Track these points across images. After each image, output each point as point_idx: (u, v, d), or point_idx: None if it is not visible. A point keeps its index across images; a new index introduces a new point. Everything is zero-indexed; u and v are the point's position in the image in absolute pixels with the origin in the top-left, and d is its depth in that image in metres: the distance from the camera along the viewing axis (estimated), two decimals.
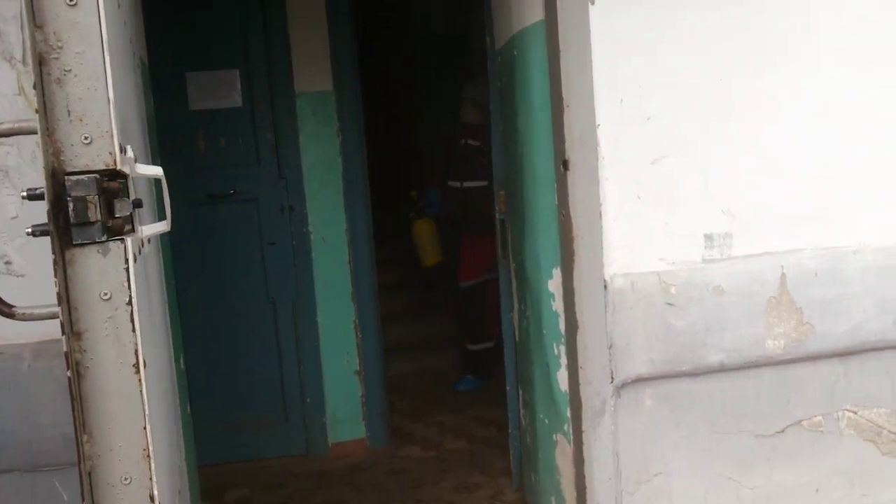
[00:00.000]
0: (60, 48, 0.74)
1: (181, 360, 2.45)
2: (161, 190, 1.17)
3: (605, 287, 2.03)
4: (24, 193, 0.82)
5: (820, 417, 2.24)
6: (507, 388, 2.93)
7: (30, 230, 0.84)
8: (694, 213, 2.09)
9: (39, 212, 1.53)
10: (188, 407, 2.50)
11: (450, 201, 4.32)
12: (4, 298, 1.39)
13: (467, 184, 4.13)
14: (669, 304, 2.06)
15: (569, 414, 2.14)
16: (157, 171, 1.02)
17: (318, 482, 3.31)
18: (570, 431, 2.14)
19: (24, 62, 1.79)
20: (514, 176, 2.38)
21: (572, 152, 1.96)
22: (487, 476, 3.24)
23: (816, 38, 2.10)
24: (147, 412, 0.79)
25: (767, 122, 2.10)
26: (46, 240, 1.69)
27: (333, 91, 3.40)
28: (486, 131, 4.07)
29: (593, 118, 1.97)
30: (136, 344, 0.78)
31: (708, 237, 2.11)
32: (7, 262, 1.80)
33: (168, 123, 3.24)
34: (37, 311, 0.92)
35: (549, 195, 2.10)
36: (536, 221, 2.20)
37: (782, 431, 2.22)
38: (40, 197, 0.79)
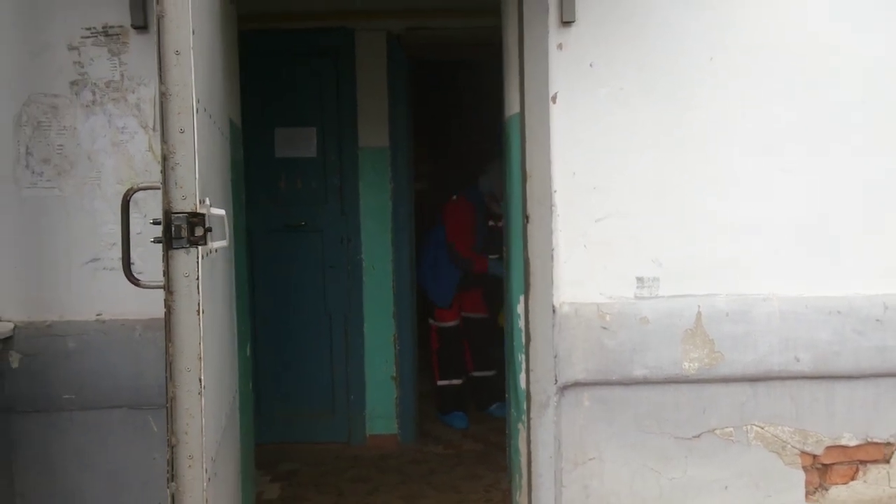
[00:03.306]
0: (174, 153, 1.53)
1: (247, 348, 3.24)
2: (227, 221, 1.96)
3: (554, 311, 2.71)
4: (151, 221, 1.61)
5: (731, 429, 2.81)
6: (507, 394, 3.59)
7: (152, 240, 1.62)
8: (628, 261, 2.74)
9: (153, 231, 2.26)
10: (249, 385, 3.29)
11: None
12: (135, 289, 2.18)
13: (492, 257, 4.54)
14: (604, 328, 2.72)
15: (525, 406, 2.80)
16: (222, 212, 1.79)
17: (353, 463, 4.06)
18: (526, 420, 2.80)
19: (154, 129, 2.65)
20: (506, 225, 3.09)
21: (532, 210, 2.66)
22: (491, 471, 3.90)
23: (732, 131, 2.73)
24: (201, 335, 1.55)
25: (690, 194, 2.73)
26: (155, 249, 2.52)
27: (389, 147, 4.21)
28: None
29: (550, 185, 2.67)
30: (199, 300, 1.55)
31: (640, 279, 2.75)
32: (132, 264, 2.63)
33: (258, 167, 4.15)
34: (151, 283, 1.71)
35: (520, 240, 2.80)
36: (513, 259, 2.90)
37: (698, 437, 2.80)
38: (158, 223, 1.58)
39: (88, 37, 2.61)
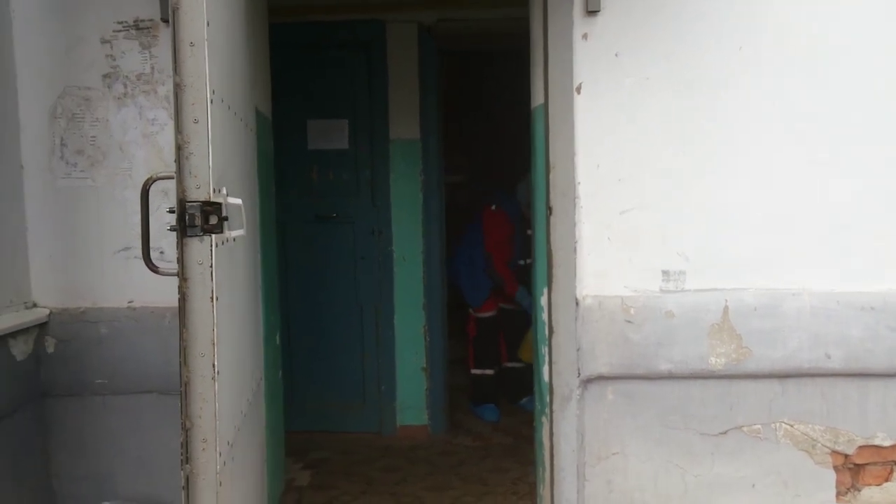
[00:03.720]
0: (188, 143, 1.56)
1: (276, 337, 3.28)
2: (241, 211, 1.99)
3: (577, 304, 2.69)
4: (168, 209, 1.65)
5: (759, 426, 2.76)
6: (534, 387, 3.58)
7: (168, 228, 1.66)
8: (654, 254, 2.70)
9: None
10: (279, 373, 3.34)
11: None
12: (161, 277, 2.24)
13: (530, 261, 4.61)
14: (628, 322, 2.69)
15: (548, 399, 2.79)
16: (238, 201, 1.82)
17: (383, 453, 4.09)
18: (549, 413, 2.79)
19: None
20: (532, 216, 3.08)
21: (555, 202, 2.65)
22: (519, 464, 3.89)
23: (763, 122, 2.66)
24: (215, 321, 1.58)
25: (718, 186, 2.68)
26: None
27: (420, 139, 4.22)
28: None
29: (573, 177, 2.65)
30: (212, 287, 1.58)
31: (665, 272, 2.71)
32: (161, 252, 2.68)
33: (291, 158, 4.20)
34: (169, 271, 1.74)
35: (544, 233, 2.78)
36: (537, 251, 2.88)
37: (724, 433, 2.76)
38: (173, 211, 1.61)
39: (120, 30, 2.67)
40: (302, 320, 4.28)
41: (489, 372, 4.79)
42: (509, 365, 4.88)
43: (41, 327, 2.70)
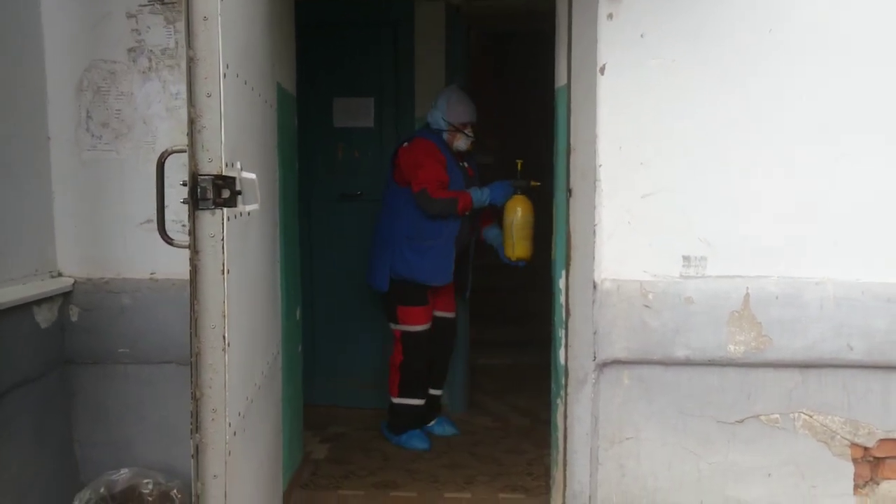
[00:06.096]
0: (201, 116, 1.57)
1: (297, 312, 3.31)
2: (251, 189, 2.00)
3: (595, 287, 2.67)
4: (181, 182, 1.67)
5: (777, 416, 2.73)
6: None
7: (181, 201, 1.68)
8: (675, 239, 2.67)
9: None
10: (298, 348, 3.37)
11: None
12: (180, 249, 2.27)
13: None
14: (646, 306, 2.67)
15: (563, 382, 2.78)
16: (252, 176, 1.83)
17: None
18: (564, 395, 2.78)
19: None
20: (555, 200, 3.06)
21: (575, 184, 2.63)
22: (535, 446, 3.88)
23: (791, 108, 2.60)
24: (226, 293, 1.60)
25: (744, 172, 2.63)
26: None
27: None
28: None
29: (594, 159, 2.62)
30: (223, 259, 1.60)
31: (686, 258, 2.68)
32: (183, 225, 2.71)
33: (317, 136, 4.21)
34: (183, 242, 1.77)
35: (563, 214, 2.76)
36: (557, 234, 2.87)
37: (741, 422, 2.73)
38: (185, 185, 1.63)
39: (146, 5, 2.69)
40: (325, 296, 4.31)
41: (416, 402, 3.95)
42: (434, 392, 4.12)
43: (66, 296, 2.75)
